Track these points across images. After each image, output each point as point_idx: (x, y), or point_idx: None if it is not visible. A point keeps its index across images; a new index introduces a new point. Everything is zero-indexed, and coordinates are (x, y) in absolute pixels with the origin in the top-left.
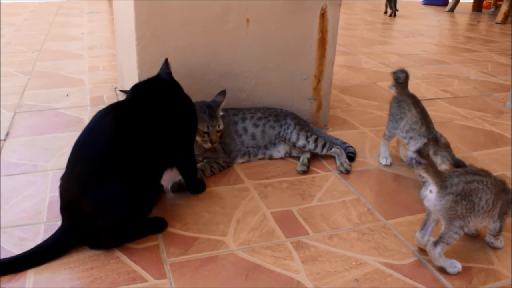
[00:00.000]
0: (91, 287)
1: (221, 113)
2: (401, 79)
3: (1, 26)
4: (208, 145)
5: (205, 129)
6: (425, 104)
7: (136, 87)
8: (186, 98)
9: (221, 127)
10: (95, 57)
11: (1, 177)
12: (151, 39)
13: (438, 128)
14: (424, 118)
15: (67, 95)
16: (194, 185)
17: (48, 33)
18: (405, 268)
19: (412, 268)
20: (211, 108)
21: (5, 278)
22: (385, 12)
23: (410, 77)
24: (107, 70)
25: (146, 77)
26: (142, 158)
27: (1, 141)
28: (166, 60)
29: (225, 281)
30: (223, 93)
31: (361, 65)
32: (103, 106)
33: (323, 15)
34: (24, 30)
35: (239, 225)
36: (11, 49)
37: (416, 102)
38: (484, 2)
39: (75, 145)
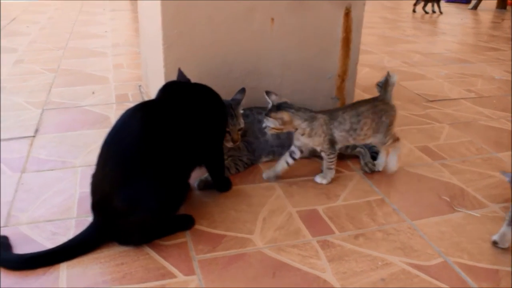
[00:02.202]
0: (122, 282)
1: (241, 111)
2: (380, 83)
3: (27, 25)
4: (230, 144)
5: (226, 129)
6: (448, 104)
7: (166, 86)
8: (216, 97)
9: (242, 125)
10: (119, 55)
11: (32, 173)
12: (178, 39)
13: (462, 128)
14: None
15: (93, 93)
16: (220, 183)
17: (72, 31)
18: (431, 269)
19: (438, 269)
20: (230, 107)
21: (39, 271)
22: (426, 13)
23: (434, 77)
24: (131, 68)
25: (172, 75)
26: (172, 156)
27: (28, 138)
28: (180, 70)
29: (253, 278)
30: (242, 91)
31: (383, 64)
32: (128, 104)
33: (347, 14)
34: (49, 28)
35: (265, 224)
36: (37, 47)
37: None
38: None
39: (105, 143)
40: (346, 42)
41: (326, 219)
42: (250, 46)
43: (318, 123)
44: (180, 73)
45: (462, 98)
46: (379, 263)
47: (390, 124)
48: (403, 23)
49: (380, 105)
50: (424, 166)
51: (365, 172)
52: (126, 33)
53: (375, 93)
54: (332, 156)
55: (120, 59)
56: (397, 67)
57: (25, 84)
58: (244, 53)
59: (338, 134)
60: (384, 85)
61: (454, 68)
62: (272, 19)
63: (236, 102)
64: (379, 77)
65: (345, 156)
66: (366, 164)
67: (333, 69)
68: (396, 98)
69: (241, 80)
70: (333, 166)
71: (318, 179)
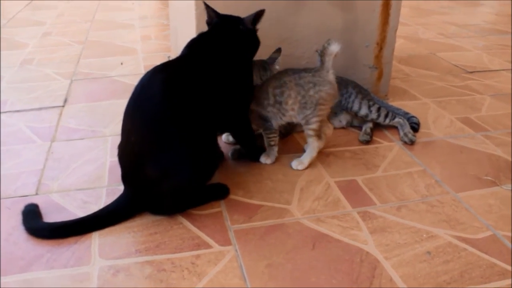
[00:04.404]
0: (156, 251)
1: (277, 67)
2: (319, 51)
3: None
4: None
5: (259, 81)
6: (489, 75)
7: (190, 44)
8: (244, 57)
9: None
10: (146, 27)
11: (62, 142)
12: (210, 4)
13: (505, 100)
14: None
15: (121, 64)
16: (253, 153)
17: (99, 4)
18: (479, 242)
19: (487, 243)
20: (265, 62)
21: (71, 240)
22: None
23: (471, 48)
24: (159, 39)
25: None
26: (196, 120)
27: (57, 108)
28: (261, 12)
29: (292, 249)
30: (278, 50)
31: (417, 35)
32: None
33: None
34: (76, 2)
35: (303, 194)
36: (64, 20)
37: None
38: None
39: (126, 111)
40: (386, 7)
41: (366, 190)
42: (286, 12)
43: None
44: (255, 17)
45: (503, 70)
46: (424, 235)
47: (321, 103)
48: None
49: (308, 77)
50: (467, 137)
51: (404, 143)
52: (153, 6)
53: (412, 64)
54: (268, 132)
55: (147, 30)
56: (432, 39)
57: (54, 55)
58: (280, 19)
59: (266, 111)
60: (321, 54)
61: (493, 39)
62: None
63: (272, 60)
64: (414, 48)
65: (383, 127)
66: (405, 134)
67: (372, 36)
68: (433, 69)
69: (275, 47)
70: (273, 143)
71: (263, 158)
